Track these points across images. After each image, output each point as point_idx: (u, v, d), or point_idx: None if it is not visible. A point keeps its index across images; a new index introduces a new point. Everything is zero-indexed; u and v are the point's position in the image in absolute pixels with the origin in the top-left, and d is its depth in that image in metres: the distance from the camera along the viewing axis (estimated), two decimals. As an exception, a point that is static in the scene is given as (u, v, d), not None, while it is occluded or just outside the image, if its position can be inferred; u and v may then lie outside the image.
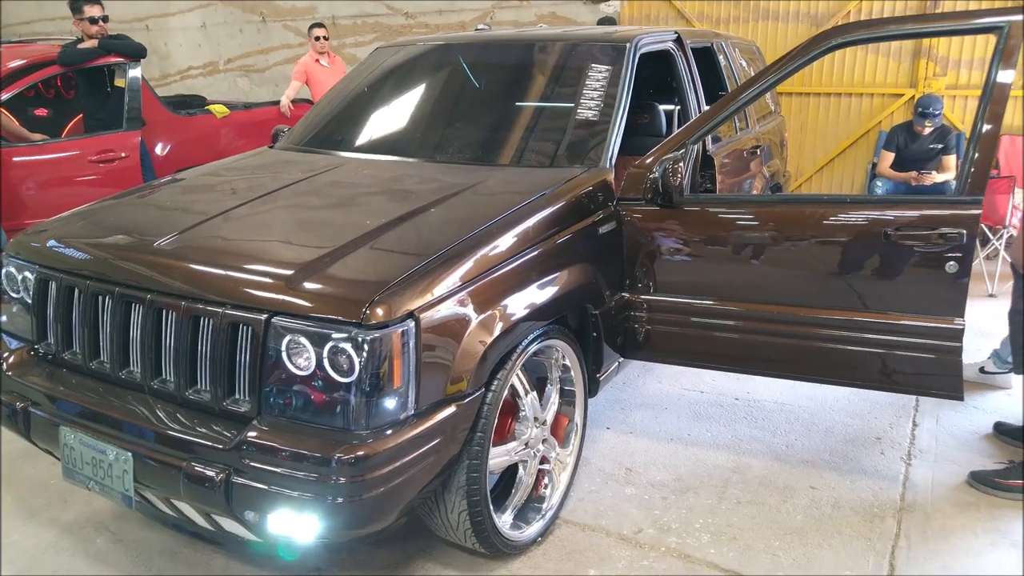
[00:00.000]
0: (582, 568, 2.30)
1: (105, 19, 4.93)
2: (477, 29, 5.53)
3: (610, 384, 3.00)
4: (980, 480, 2.64)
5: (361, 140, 3.16)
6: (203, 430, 1.87)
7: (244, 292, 1.88)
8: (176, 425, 1.91)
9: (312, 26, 6.57)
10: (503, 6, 7.46)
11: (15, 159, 4.50)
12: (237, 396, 1.89)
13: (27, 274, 2.32)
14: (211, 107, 5.93)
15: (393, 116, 3.25)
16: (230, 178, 2.83)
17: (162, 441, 1.89)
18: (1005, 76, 2.29)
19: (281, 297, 1.83)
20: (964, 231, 2.21)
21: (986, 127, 2.27)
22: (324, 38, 6.51)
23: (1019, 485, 2.57)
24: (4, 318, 2.47)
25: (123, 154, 4.81)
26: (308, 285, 1.85)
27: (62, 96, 5.98)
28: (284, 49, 8.91)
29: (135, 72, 5.00)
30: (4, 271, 2.42)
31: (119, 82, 4.98)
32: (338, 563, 2.33)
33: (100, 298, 2.11)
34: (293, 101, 6.39)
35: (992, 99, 2.29)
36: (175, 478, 1.85)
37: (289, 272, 1.89)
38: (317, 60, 6.54)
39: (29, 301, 2.33)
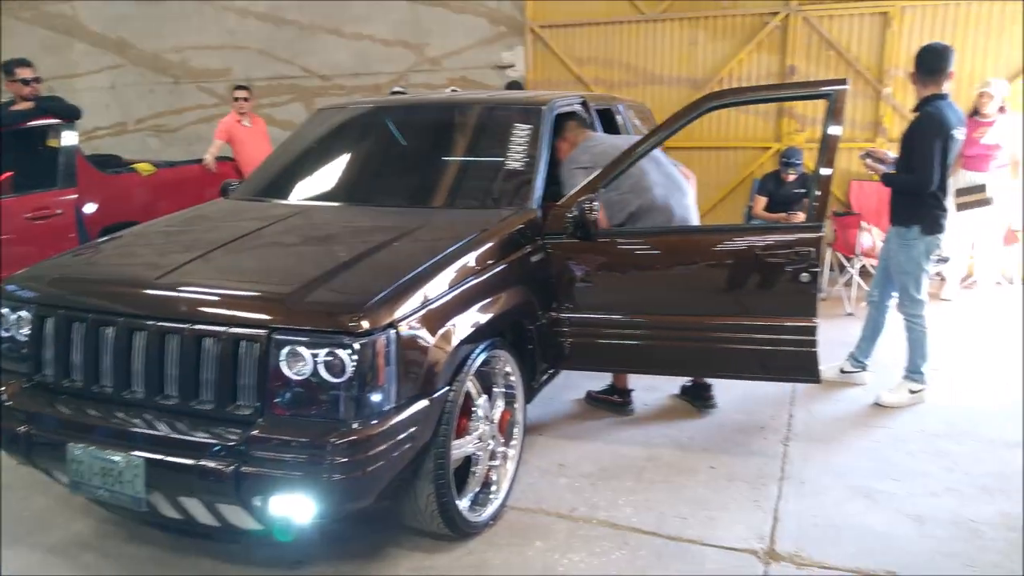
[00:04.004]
0: (530, 541, 2.71)
1: (38, 80, 5.11)
2: (392, 92, 6.04)
3: (540, 397, 3.46)
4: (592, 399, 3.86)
5: (315, 189, 3.57)
6: (212, 432, 2.19)
7: (246, 314, 2.24)
8: (186, 431, 2.22)
9: (235, 87, 6.90)
10: (416, 70, 8.05)
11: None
12: (240, 402, 2.24)
13: (22, 313, 2.57)
14: (136, 165, 6.11)
15: (344, 167, 3.68)
16: (201, 224, 3.17)
17: (175, 445, 2.20)
18: (835, 130, 2.98)
19: (281, 315, 2.21)
20: (812, 249, 2.86)
21: (823, 170, 2.95)
22: (245, 99, 6.84)
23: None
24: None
25: (59, 211, 4.96)
26: (303, 304, 2.24)
27: (-18, 156, 5.99)
28: (199, 109, 9.13)
29: (70, 132, 5.17)
30: (-4, 312, 2.65)
31: (52, 142, 5.14)
32: (316, 557, 2.64)
33: (101, 329, 2.40)
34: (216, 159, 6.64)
35: (827, 148, 2.97)
36: (188, 476, 2.15)
37: (285, 294, 2.27)
38: (239, 120, 6.84)
39: (22, 338, 2.57)
